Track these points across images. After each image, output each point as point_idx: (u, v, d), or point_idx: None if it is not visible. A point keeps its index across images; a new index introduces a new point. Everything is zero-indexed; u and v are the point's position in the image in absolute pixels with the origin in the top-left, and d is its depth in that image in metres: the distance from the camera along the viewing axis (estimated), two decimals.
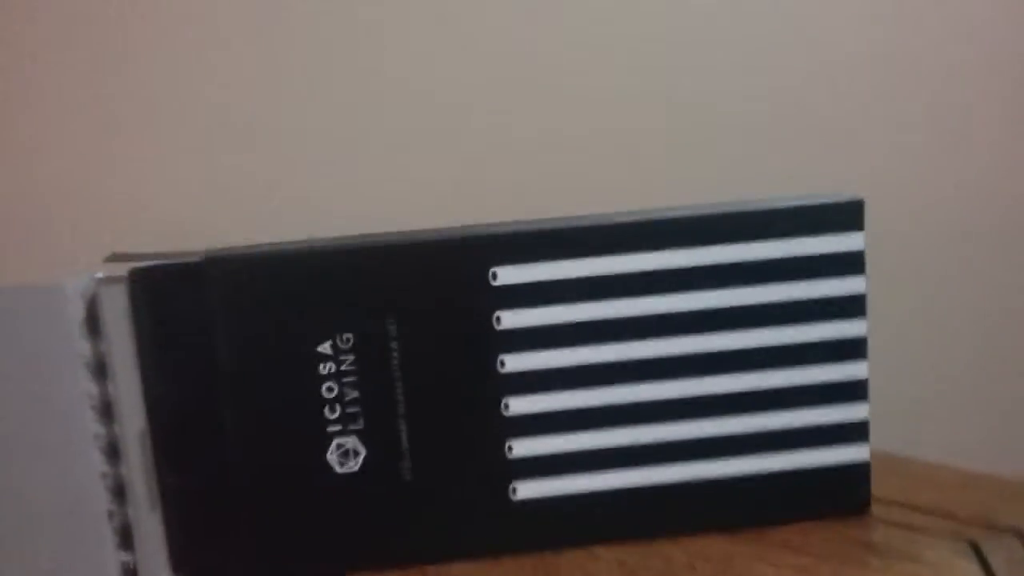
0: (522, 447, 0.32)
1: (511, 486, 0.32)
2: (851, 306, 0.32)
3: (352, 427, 0.32)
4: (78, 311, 0.32)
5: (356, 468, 0.32)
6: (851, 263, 0.32)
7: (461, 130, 0.53)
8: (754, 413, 0.33)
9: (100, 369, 0.32)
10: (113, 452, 0.33)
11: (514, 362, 0.32)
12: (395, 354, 0.31)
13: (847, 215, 0.32)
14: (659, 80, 0.53)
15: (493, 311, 0.31)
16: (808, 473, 0.33)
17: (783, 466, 0.33)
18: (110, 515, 0.33)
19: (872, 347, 0.33)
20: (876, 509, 0.34)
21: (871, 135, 0.55)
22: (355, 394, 0.31)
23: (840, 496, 0.34)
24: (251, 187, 0.52)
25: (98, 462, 0.32)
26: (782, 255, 0.32)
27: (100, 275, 0.31)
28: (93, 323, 0.32)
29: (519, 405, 0.32)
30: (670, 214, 0.32)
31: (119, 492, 0.33)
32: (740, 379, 0.32)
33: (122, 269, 0.31)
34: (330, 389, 0.31)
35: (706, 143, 0.54)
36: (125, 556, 0.33)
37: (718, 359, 0.32)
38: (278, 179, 0.52)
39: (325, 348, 0.31)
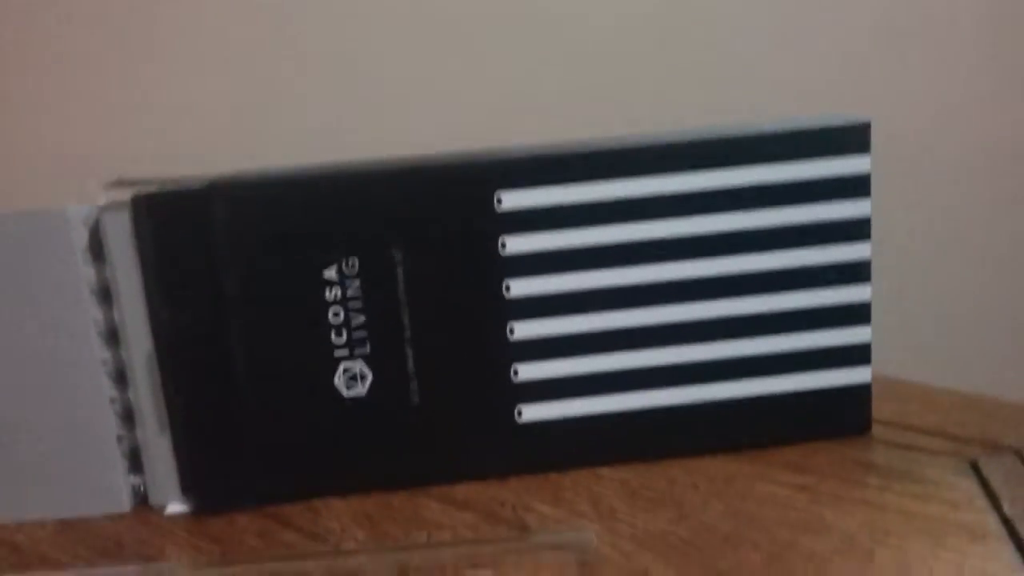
0: (527, 371, 0.32)
1: (516, 408, 0.33)
2: (856, 229, 0.32)
3: (359, 352, 0.32)
4: (81, 237, 0.32)
5: (363, 392, 0.32)
6: (857, 186, 0.32)
7: (464, 53, 0.52)
8: (757, 336, 0.33)
9: (105, 295, 0.32)
10: (120, 377, 0.33)
11: (519, 287, 0.32)
12: (400, 279, 0.31)
13: (854, 137, 0.31)
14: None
15: (498, 236, 0.31)
16: (810, 395, 0.34)
17: (785, 388, 0.33)
18: (119, 439, 0.33)
19: (874, 270, 0.33)
20: (877, 431, 0.35)
21: (877, 55, 0.54)
22: (361, 319, 0.32)
23: (841, 418, 0.34)
24: (252, 112, 0.52)
25: (106, 387, 0.33)
26: (788, 178, 0.32)
27: (103, 201, 0.31)
28: (97, 249, 0.32)
29: (524, 330, 0.32)
30: (674, 137, 0.32)
31: (128, 416, 0.33)
32: (743, 302, 0.33)
33: (125, 195, 0.31)
34: (336, 314, 0.31)
35: (710, 65, 0.53)
36: (135, 479, 0.34)
37: (721, 282, 0.32)
38: (281, 105, 0.52)
39: (331, 273, 0.31)
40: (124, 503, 0.34)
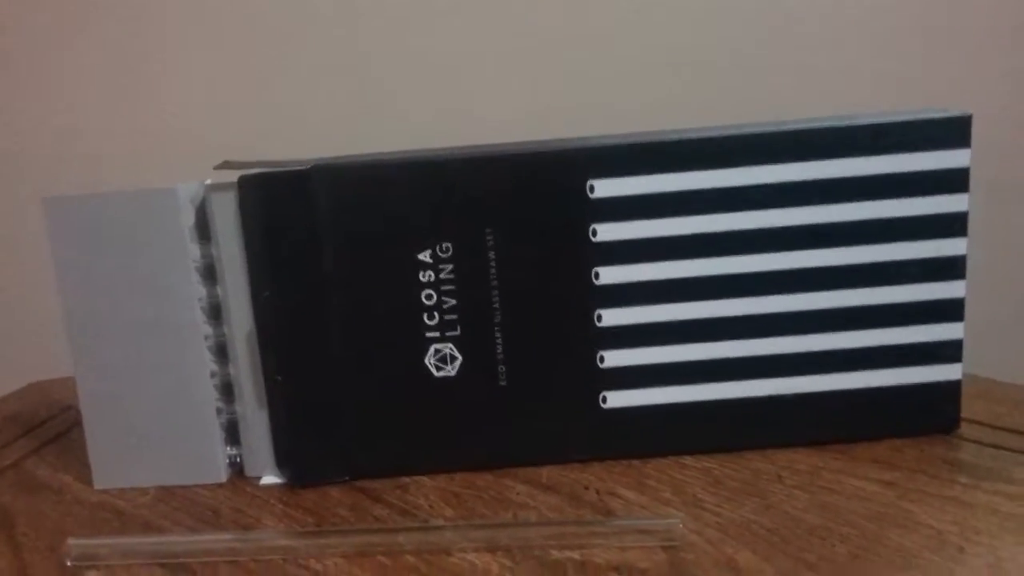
0: (614, 357, 0.33)
1: (602, 394, 0.33)
2: (952, 224, 0.32)
3: (449, 333, 0.33)
4: (189, 216, 0.33)
5: (453, 373, 0.33)
6: (955, 180, 0.31)
7: (553, 48, 0.53)
8: (848, 329, 0.33)
9: (210, 272, 0.34)
10: (222, 352, 0.34)
11: (608, 274, 0.32)
12: (492, 264, 0.32)
13: (954, 131, 0.31)
14: None
15: (589, 224, 0.32)
16: (899, 390, 0.33)
17: (874, 383, 0.33)
18: (218, 412, 0.35)
19: (968, 267, 0.32)
20: (965, 429, 0.34)
21: (978, 49, 0.53)
22: (453, 302, 0.32)
23: (930, 415, 0.34)
24: (347, 105, 0.53)
25: (208, 361, 0.34)
26: (885, 170, 0.31)
27: (209, 181, 0.32)
28: (203, 228, 0.33)
29: (612, 317, 0.33)
30: (770, 128, 0.32)
31: (227, 391, 0.35)
32: (834, 295, 0.32)
33: (231, 176, 0.32)
34: (429, 296, 0.32)
35: (810, 56, 0.52)
36: (232, 451, 0.35)
37: (812, 274, 0.32)
38: (377, 99, 0.53)
39: (425, 256, 0.32)
40: (221, 474, 0.35)
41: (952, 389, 0.33)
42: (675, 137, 0.31)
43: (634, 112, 0.51)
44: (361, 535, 0.29)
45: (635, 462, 0.34)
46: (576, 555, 0.28)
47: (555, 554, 0.28)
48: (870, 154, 0.31)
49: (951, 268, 0.32)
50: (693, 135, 0.31)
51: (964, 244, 0.32)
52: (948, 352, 0.33)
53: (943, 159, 0.31)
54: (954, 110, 0.32)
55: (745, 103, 0.52)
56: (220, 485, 0.35)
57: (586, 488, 0.32)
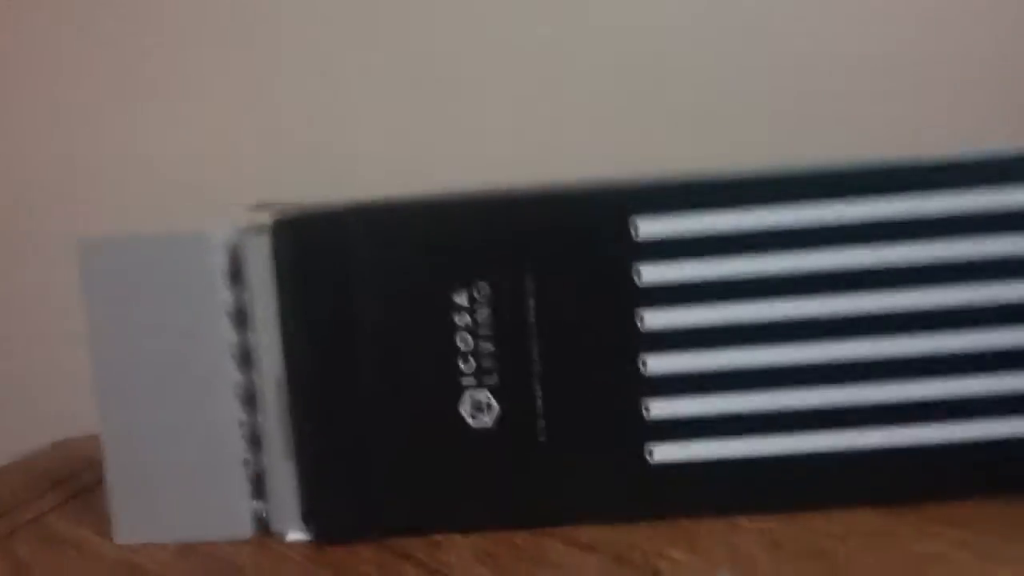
0: (660, 408, 0.31)
1: (647, 448, 0.31)
2: None
3: (486, 381, 0.31)
4: (222, 260, 0.32)
5: (490, 423, 0.31)
6: None
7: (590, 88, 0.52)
8: (913, 379, 0.31)
9: (241, 318, 0.33)
10: (250, 400, 0.33)
11: (654, 319, 0.31)
12: (531, 307, 0.31)
13: None
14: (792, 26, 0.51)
15: (634, 265, 0.30)
16: (972, 447, 0.31)
17: (946, 438, 0.31)
18: (245, 463, 0.33)
19: None
20: None
21: None
22: (490, 347, 0.31)
23: (1007, 472, 0.31)
24: (391, 144, 0.52)
25: (236, 409, 0.33)
26: (957, 209, 0.30)
27: (244, 225, 0.32)
28: (236, 272, 0.32)
29: (658, 364, 0.31)
30: (827, 166, 0.30)
31: (255, 440, 0.33)
32: (897, 342, 0.30)
33: (265, 218, 0.31)
34: (464, 340, 0.31)
35: (870, 101, 0.51)
36: (257, 504, 0.34)
37: (874, 320, 0.30)
38: (406, 134, 0.52)
39: (461, 298, 0.31)
40: (247, 529, 0.33)
41: None
42: (719, 175, 0.30)
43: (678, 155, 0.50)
44: None
45: (685, 522, 0.31)
46: None
47: None
48: (940, 190, 0.29)
49: None
50: (738, 173, 0.30)
51: None
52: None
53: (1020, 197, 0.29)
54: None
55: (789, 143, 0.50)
56: (244, 542, 0.33)
57: (631, 548, 0.30)
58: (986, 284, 0.30)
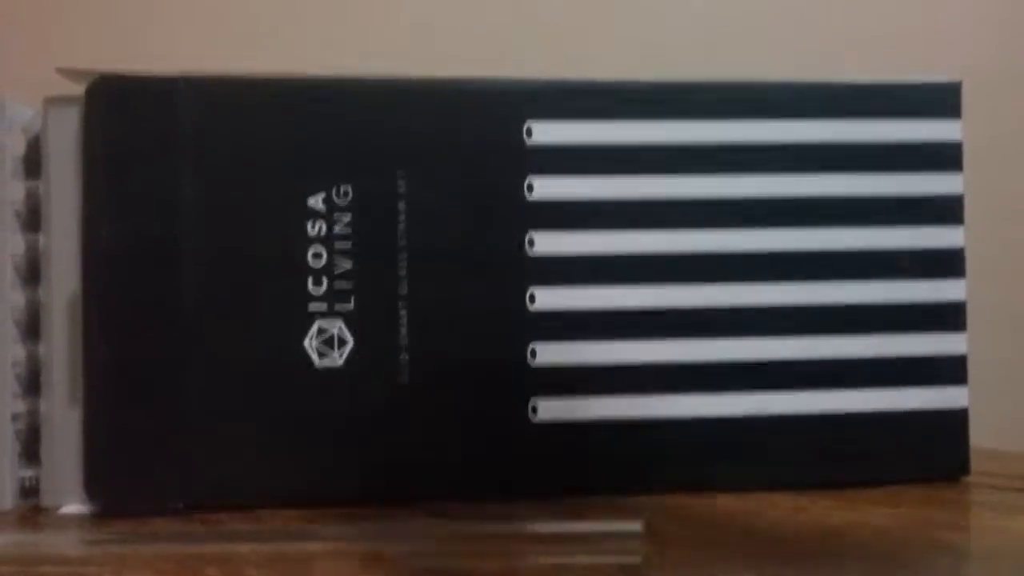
0: (547, 352, 0.26)
1: (532, 401, 0.26)
2: (945, 209, 0.27)
3: (340, 307, 0.25)
4: (18, 145, 0.26)
5: (339, 362, 0.25)
6: (945, 157, 0.27)
7: None
8: (816, 333, 0.27)
9: (32, 218, 0.26)
10: (33, 328, 0.26)
11: (545, 243, 0.26)
12: (402, 217, 0.25)
13: (942, 99, 0.27)
14: None
15: (524, 176, 0.26)
16: (885, 418, 0.27)
17: (855, 406, 0.27)
18: (14, 417, 0.26)
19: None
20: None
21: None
22: (347, 265, 0.25)
23: (930, 455, 0.27)
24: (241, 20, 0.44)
25: (11, 340, 0.26)
26: (861, 138, 0.27)
27: (48, 96, 0.26)
28: (34, 162, 0.26)
29: (547, 298, 0.26)
30: (737, 80, 0.27)
31: (32, 384, 0.26)
32: (801, 288, 0.27)
33: (75, 88, 0.25)
34: (317, 255, 0.25)
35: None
36: (25, 468, 0.26)
37: (776, 260, 0.27)
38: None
39: (317, 202, 0.25)
40: (6, 499, 0.25)
41: (955, 420, 0.27)
42: (631, 82, 0.27)
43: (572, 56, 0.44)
44: (186, 544, 0.20)
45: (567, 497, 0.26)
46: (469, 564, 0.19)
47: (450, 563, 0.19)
48: (845, 117, 0.27)
49: (947, 264, 0.27)
50: (653, 79, 0.27)
51: (960, 235, 0.27)
52: (949, 372, 0.27)
53: (930, 130, 0.27)
54: (940, 76, 0.28)
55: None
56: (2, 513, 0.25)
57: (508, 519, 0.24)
58: (896, 228, 0.27)
